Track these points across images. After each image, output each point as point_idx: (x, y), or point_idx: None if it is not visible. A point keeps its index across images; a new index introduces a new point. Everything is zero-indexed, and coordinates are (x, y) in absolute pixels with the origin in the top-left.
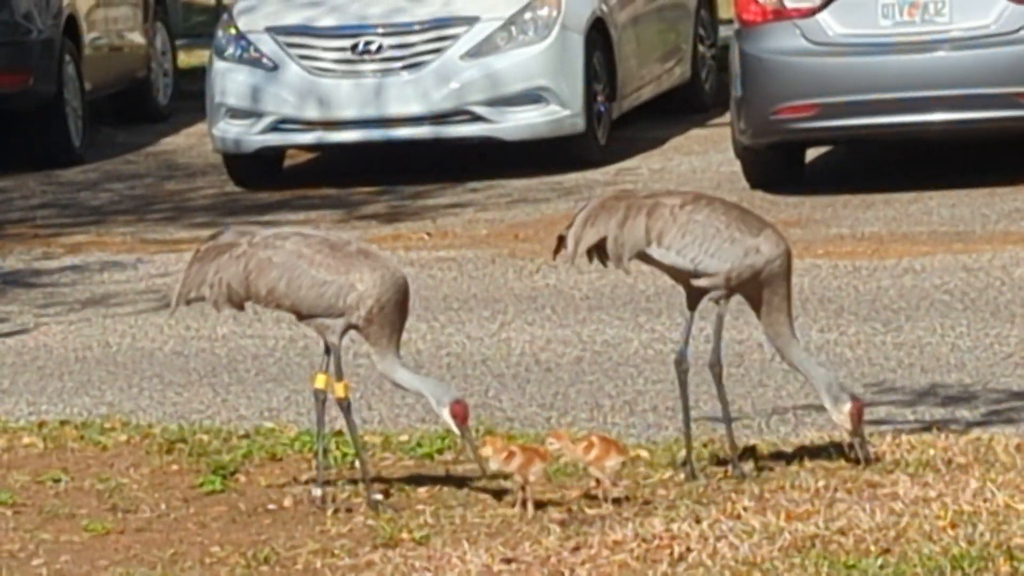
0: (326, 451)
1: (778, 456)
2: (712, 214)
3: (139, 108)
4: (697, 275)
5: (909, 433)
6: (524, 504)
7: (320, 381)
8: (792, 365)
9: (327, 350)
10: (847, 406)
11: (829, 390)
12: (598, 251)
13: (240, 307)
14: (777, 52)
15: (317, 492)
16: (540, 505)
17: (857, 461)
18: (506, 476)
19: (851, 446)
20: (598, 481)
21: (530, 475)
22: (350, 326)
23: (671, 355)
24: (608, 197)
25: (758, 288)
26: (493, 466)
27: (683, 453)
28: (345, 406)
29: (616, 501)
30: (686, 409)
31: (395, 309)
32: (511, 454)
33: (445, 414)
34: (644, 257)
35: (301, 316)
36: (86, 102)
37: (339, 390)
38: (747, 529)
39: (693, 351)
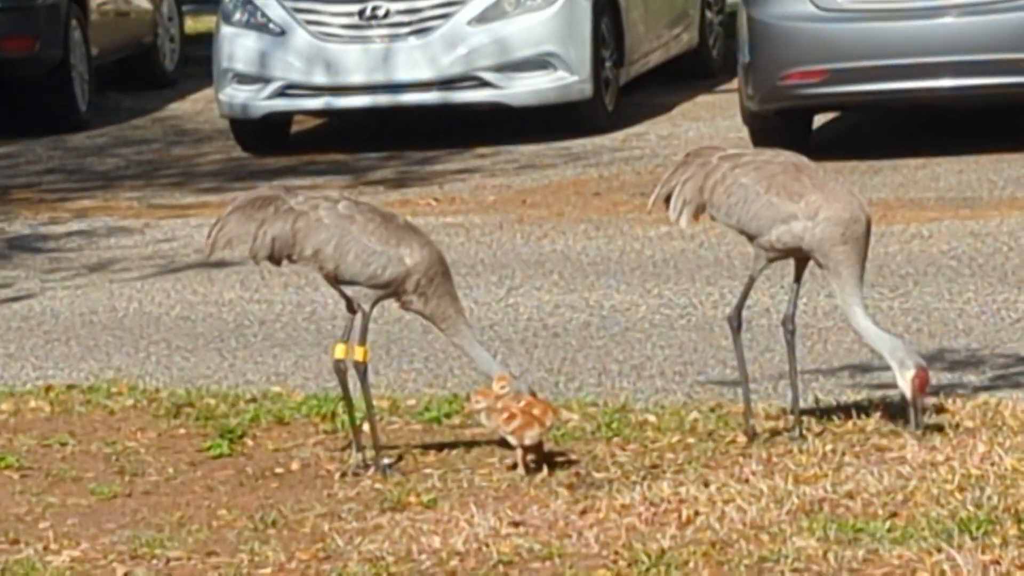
0: (358, 417)
1: (786, 420)
2: (759, 177)
3: (146, 73)
4: (749, 237)
5: None
6: (514, 466)
7: (340, 351)
8: (855, 332)
9: (349, 308)
10: (910, 372)
11: (894, 354)
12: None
13: (277, 263)
14: (785, 18)
15: (386, 460)
16: (549, 466)
17: (917, 427)
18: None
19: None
20: (525, 449)
21: (525, 440)
22: (388, 296)
23: (679, 320)
24: (691, 153)
25: (811, 251)
26: (488, 423)
27: (789, 416)
28: (362, 371)
29: (538, 466)
30: (793, 371)
31: (445, 280)
32: (511, 415)
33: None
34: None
35: (339, 280)
36: (92, 67)
37: (359, 354)
38: (755, 493)
39: (752, 312)
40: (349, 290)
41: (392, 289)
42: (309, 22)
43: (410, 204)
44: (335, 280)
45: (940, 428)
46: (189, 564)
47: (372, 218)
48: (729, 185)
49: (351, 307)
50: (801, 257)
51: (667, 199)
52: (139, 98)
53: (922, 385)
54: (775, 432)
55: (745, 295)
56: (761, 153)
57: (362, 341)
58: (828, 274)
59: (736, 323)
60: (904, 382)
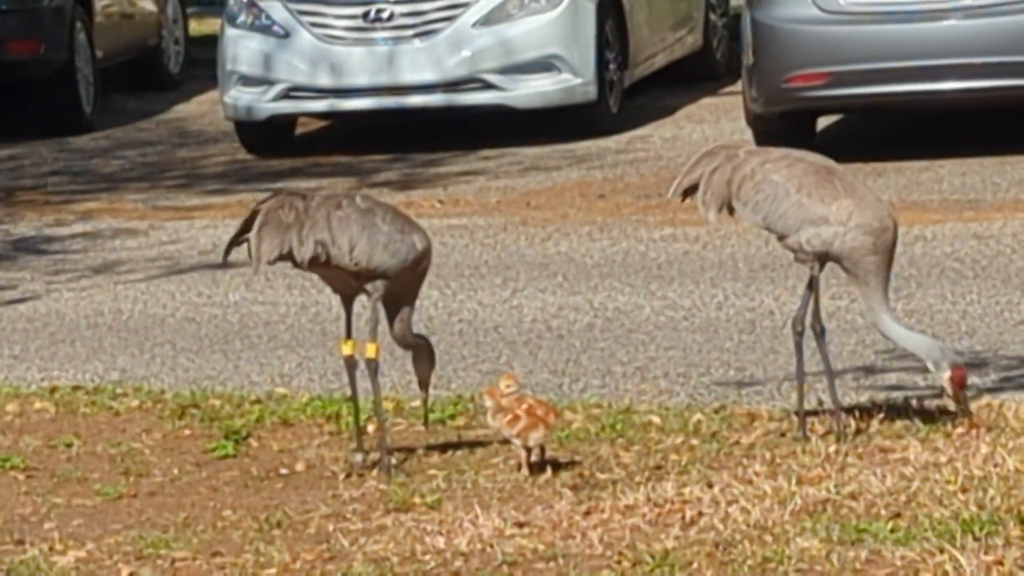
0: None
1: (789, 421)
2: (790, 175)
3: (150, 76)
4: (778, 236)
5: (920, 399)
6: (519, 467)
7: (348, 348)
8: (886, 337)
9: (345, 305)
10: (946, 373)
11: (929, 355)
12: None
13: (319, 266)
14: (789, 20)
15: (392, 460)
16: (553, 467)
17: (963, 415)
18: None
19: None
20: (528, 450)
21: (529, 441)
22: (396, 287)
23: (683, 322)
24: (717, 145)
25: (840, 258)
26: (494, 423)
27: (794, 416)
28: (374, 367)
29: (542, 467)
30: (800, 372)
31: (425, 275)
32: (515, 417)
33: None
34: (734, 212)
35: (370, 275)
36: (97, 70)
37: (370, 351)
38: (758, 493)
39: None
40: (368, 285)
41: (403, 276)
42: (313, 24)
43: (414, 206)
44: (365, 275)
45: (943, 429)
46: (194, 564)
47: (386, 208)
48: (759, 181)
49: (347, 304)
50: (815, 260)
51: (685, 192)
52: (144, 100)
53: (960, 383)
54: (781, 434)
55: (816, 302)
56: (790, 152)
57: (373, 337)
58: (854, 281)
59: (820, 329)
60: (943, 383)
